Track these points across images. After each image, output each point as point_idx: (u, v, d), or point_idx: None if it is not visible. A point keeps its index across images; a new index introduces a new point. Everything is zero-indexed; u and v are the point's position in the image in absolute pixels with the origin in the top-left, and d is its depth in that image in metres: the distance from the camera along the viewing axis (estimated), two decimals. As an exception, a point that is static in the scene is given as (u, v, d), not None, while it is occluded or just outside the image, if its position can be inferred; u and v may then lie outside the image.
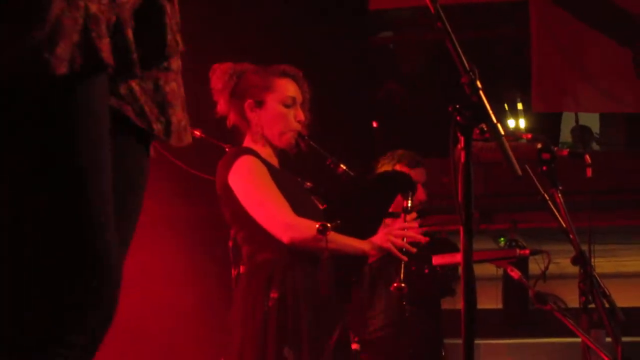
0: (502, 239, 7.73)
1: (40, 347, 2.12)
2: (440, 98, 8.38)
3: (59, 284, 2.13)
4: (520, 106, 10.03)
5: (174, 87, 2.44)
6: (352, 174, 5.30)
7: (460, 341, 6.20)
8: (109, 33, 2.17)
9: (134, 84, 2.33)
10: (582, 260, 3.79)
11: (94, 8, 2.13)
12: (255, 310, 4.97)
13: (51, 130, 2.10)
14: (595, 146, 10.43)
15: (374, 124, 8.60)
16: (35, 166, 2.12)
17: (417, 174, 6.71)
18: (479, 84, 3.22)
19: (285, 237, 4.96)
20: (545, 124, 10.19)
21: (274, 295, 4.96)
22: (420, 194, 6.42)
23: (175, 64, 2.45)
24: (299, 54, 5.79)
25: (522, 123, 9.80)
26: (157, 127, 2.37)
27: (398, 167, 6.72)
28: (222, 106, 5.16)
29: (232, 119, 5.20)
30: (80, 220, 2.12)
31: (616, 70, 9.86)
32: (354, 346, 5.46)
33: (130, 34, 2.24)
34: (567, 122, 10.37)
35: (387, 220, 5.21)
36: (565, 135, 10.36)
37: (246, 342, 4.96)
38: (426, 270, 5.37)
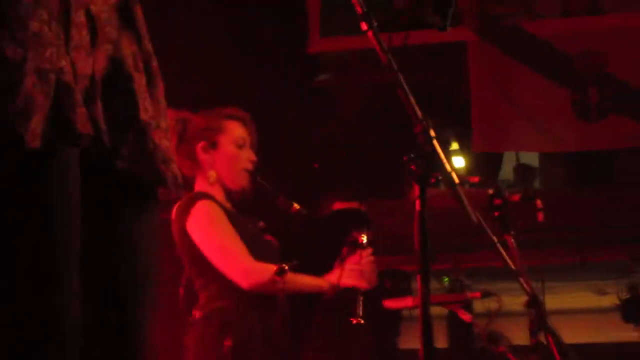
0: (446, 278, 7.79)
1: None
2: (381, 139, 8.40)
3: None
4: (455, 146, 10.04)
5: (167, 143, 2.46)
6: (305, 212, 5.33)
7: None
8: (84, 101, 2.19)
9: (131, 146, 2.34)
10: (535, 303, 3.84)
11: (65, 78, 2.14)
12: (209, 357, 4.97)
13: (24, 197, 2.12)
14: (536, 184, 10.48)
15: (315, 165, 8.63)
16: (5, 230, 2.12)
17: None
18: (432, 132, 3.29)
19: (244, 283, 4.98)
20: (484, 162, 10.26)
21: (227, 343, 4.92)
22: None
23: (164, 123, 2.47)
24: (239, 97, 5.80)
25: (461, 162, 9.80)
26: (166, 179, 2.41)
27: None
28: None
29: (180, 164, 5.13)
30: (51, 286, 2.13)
31: (555, 110, 9.92)
32: None
33: (99, 104, 2.26)
34: (509, 159, 10.39)
35: (344, 251, 5.24)
36: (507, 173, 10.39)
37: None
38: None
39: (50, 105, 2.11)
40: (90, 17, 2.27)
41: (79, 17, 2.24)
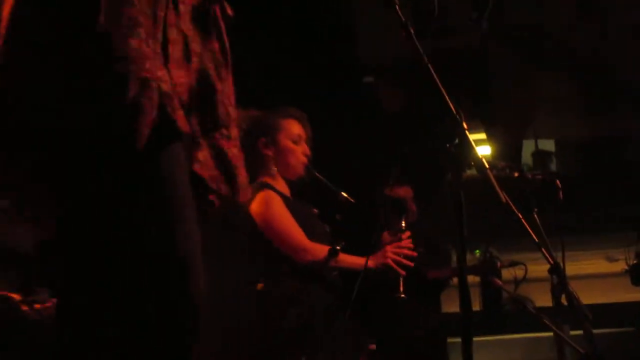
0: (477, 250, 7.76)
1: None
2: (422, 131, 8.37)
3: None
4: (483, 136, 10.01)
5: (235, 151, 2.46)
6: (352, 200, 5.32)
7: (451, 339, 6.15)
8: (181, 106, 2.21)
9: (207, 152, 2.37)
10: (557, 270, 3.80)
11: (165, 87, 2.16)
12: (273, 326, 4.96)
13: (137, 189, 2.16)
14: (552, 168, 10.42)
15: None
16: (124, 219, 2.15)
17: (405, 191, 6.76)
18: (465, 125, 3.26)
19: (302, 260, 4.99)
20: (507, 150, 10.28)
21: (293, 311, 4.95)
22: (412, 206, 6.47)
23: (233, 132, 2.47)
24: (296, 99, 5.79)
25: (488, 150, 9.77)
26: (224, 188, 2.41)
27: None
28: None
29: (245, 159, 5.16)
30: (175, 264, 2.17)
31: (567, 100, 9.91)
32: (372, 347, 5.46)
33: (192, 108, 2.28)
34: (528, 147, 10.39)
35: (386, 235, 5.24)
36: (526, 158, 10.37)
37: (265, 352, 4.97)
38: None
39: (155, 108, 2.13)
40: (182, 35, 2.31)
41: (173, 34, 2.27)
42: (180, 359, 2.21)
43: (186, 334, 2.19)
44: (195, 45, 2.36)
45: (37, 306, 4.08)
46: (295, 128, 5.28)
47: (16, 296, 4.08)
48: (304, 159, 5.25)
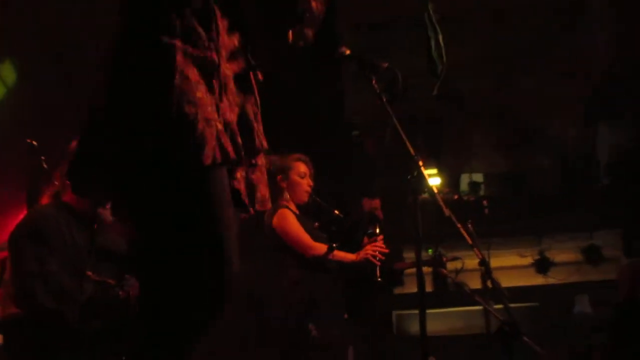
0: (430, 249, 7.76)
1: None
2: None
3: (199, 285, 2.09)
4: (434, 170, 9.89)
5: (258, 174, 2.41)
6: (341, 215, 5.37)
7: (410, 311, 6.03)
8: (230, 139, 2.17)
9: (242, 173, 2.33)
10: (484, 263, 3.82)
11: (220, 126, 2.14)
12: (292, 303, 4.98)
13: (199, 194, 2.11)
14: (481, 193, 10.32)
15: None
16: (180, 219, 2.10)
17: (376, 202, 6.77)
18: (421, 163, 3.32)
19: (309, 255, 5.01)
20: (450, 180, 10.22)
21: (307, 289, 4.98)
22: (380, 213, 6.45)
23: (261, 160, 2.43)
24: (304, 146, 5.79)
25: (437, 180, 9.63)
26: (247, 200, 2.36)
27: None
28: None
29: (268, 189, 5.16)
30: (217, 250, 2.10)
31: (491, 145, 9.90)
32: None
33: (239, 140, 2.22)
34: (464, 178, 10.27)
35: (365, 238, 5.26)
36: (463, 185, 10.28)
37: (282, 320, 5.03)
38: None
39: (214, 139, 2.11)
40: (230, 89, 2.26)
41: (223, 91, 2.22)
42: (217, 307, 2.12)
43: (220, 289, 2.11)
44: (238, 98, 2.31)
45: (126, 289, 4.06)
46: (301, 167, 5.28)
47: (111, 281, 4.01)
48: (308, 189, 5.27)
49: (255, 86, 2.42)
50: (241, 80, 2.34)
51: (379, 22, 7.98)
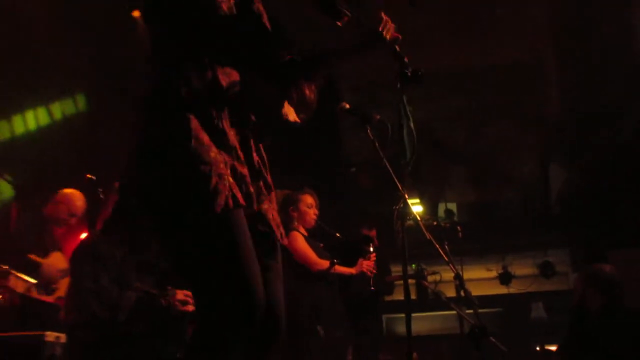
0: (414, 264, 7.72)
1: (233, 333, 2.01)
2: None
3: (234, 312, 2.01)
4: (417, 200, 9.84)
5: (275, 214, 2.35)
6: (342, 238, 5.38)
7: (398, 315, 5.93)
8: (240, 189, 2.14)
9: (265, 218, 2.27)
10: (458, 276, 3.79)
11: (231, 179, 2.10)
12: (303, 310, 4.94)
13: (217, 238, 2.04)
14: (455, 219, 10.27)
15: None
16: (206, 259, 2.03)
17: (373, 232, 6.74)
18: (406, 196, 3.28)
19: (314, 269, 5.00)
20: (429, 208, 10.22)
21: (310, 302, 4.96)
22: (375, 241, 6.41)
23: (275, 203, 2.38)
24: (310, 180, 5.78)
25: (420, 208, 9.56)
26: (278, 234, 2.33)
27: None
28: None
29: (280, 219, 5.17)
30: (242, 279, 2.02)
31: (464, 180, 9.87)
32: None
33: (251, 189, 2.19)
34: (441, 207, 10.24)
35: (361, 256, 5.24)
36: (440, 213, 10.23)
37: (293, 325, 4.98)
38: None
39: (227, 190, 2.07)
40: (238, 150, 2.22)
41: (233, 152, 2.18)
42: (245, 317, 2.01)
43: (248, 304, 2.01)
44: (242, 153, 2.24)
45: (167, 298, 4.03)
46: (309, 199, 5.28)
47: (154, 291, 4.03)
48: (314, 217, 5.28)
49: (262, 148, 2.36)
50: (244, 144, 2.27)
51: (373, 80, 7.93)
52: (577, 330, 4.01)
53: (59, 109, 7.21)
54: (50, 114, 7.12)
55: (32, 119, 6.84)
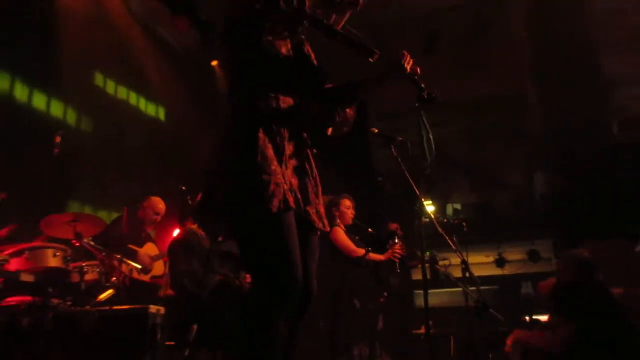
0: (428, 252, 7.61)
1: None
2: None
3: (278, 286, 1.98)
4: (430, 202, 9.59)
5: (322, 208, 2.29)
6: (374, 232, 5.32)
7: (417, 291, 5.75)
8: (292, 194, 2.12)
9: (312, 209, 2.23)
10: (464, 262, 3.73)
11: (286, 187, 2.09)
12: (344, 288, 4.89)
13: (272, 232, 2.03)
14: (460, 216, 10.05)
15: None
16: (260, 250, 2.02)
17: (396, 226, 6.65)
18: (423, 199, 3.24)
19: (352, 256, 4.93)
20: (440, 208, 10.05)
21: (349, 282, 4.91)
22: (400, 232, 6.30)
23: (321, 198, 2.30)
24: (346, 189, 5.71)
25: (432, 208, 9.31)
26: (320, 225, 2.28)
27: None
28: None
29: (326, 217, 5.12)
30: (288, 264, 2.01)
31: (467, 185, 9.70)
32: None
33: (299, 196, 2.16)
34: (449, 207, 10.11)
35: (389, 244, 5.18)
36: (449, 211, 10.10)
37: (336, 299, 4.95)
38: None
39: (282, 195, 2.04)
40: (291, 163, 2.17)
41: (289, 165, 2.16)
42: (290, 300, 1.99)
43: (293, 287, 1.99)
44: (299, 165, 2.22)
45: (240, 280, 4.03)
46: (347, 202, 5.22)
47: (231, 275, 3.97)
48: (352, 216, 5.21)
49: (311, 157, 2.29)
50: (299, 154, 2.24)
51: (397, 111, 7.85)
52: (569, 305, 3.79)
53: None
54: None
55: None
